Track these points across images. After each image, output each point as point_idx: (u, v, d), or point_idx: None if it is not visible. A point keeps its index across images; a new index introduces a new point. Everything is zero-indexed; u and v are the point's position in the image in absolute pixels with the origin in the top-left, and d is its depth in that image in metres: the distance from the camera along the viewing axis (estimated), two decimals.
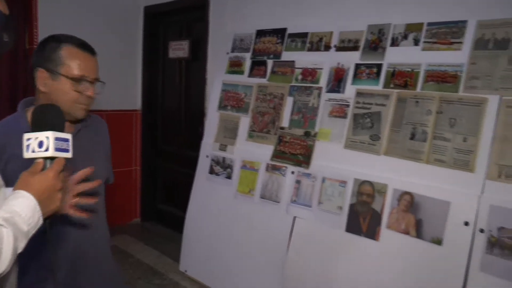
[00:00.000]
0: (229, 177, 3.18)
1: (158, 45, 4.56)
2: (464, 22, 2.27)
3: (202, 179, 3.38)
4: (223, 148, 3.27)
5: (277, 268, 2.80)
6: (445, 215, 2.16)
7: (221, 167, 3.24)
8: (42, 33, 3.74)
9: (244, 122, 3.19)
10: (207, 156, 3.36)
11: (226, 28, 3.49)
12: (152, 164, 4.72)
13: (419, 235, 2.24)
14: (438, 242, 2.17)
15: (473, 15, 2.24)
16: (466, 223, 2.09)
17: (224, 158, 3.24)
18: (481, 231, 2.04)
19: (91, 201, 1.35)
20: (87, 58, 1.46)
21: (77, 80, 1.42)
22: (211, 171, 3.31)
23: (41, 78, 1.44)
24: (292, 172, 2.82)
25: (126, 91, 4.58)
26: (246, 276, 2.98)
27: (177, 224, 3.78)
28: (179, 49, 4.12)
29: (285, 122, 2.94)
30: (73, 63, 1.42)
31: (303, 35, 2.95)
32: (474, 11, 2.25)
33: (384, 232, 2.37)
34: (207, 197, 3.31)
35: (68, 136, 1.13)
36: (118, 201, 4.33)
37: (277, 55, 3.07)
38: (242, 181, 3.09)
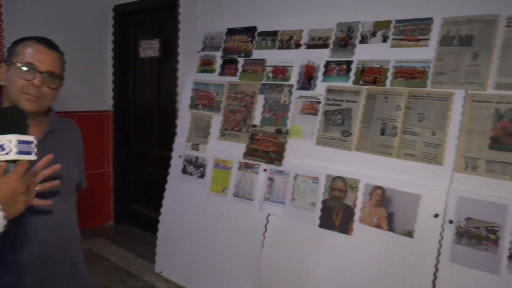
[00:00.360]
0: (202, 176, 3.14)
1: (129, 45, 4.48)
2: (430, 19, 2.30)
3: (175, 179, 3.33)
4: (195, 147, 3.23)
5: (252, 266, 2.78)
6: (415, 208, 2.19)
7: (194, 166, 3.20)
8: (7, 35, 3.61)
9: (216, 121, 3.15)
10: (179, 156, 3.32)
11: (197, 27, 3.45)
12: (125, 166, 4.64)
13: (391, 228, 2.26)
14: (410, 234, 2.19)
15: (439, 13, 2.28)
16: (436, 215, 2.12)
17: (196, 158, 3.20)
18: (450, 222, 2.08)
19: (54, 184, 1.30)
20: (41, 49, 1.42)
21: (24, 67, 1.38)
22: (184, 171, 3.27)
23: (2, 73, 1.42)
24: (265, 170, 2.80)
25: (97, 92, 4.49)
26: (221, 275, 2.95)
27: (151, 225, 3.72)
28: (149, 49, 4.06)
29: (257, 120, 2.92)
30: (25, 52, 1.40)
31: (273, 34, 2.93)
32: (440, 8, 2.28)
33: (357, 226, 2.38)
34: (181, 197, 3.26)
35: (31, 138, 1.10)
36: (91, 204, 4.24)
37: (247, 54, 3.05)
38: (215, 180, 3.06)
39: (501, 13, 2.09)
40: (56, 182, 1.31)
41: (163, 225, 3.37)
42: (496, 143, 2.02)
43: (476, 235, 2.00)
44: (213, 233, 3.02)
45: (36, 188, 1.23)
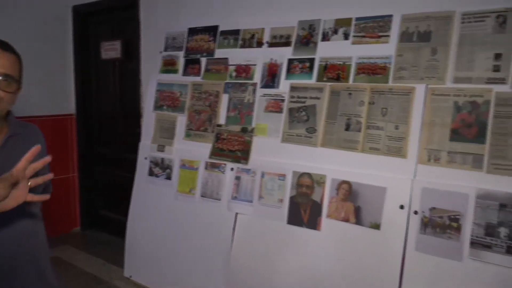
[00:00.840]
0: (169, 178, 3.08)
1: (90, 46, 4.33)
2: (389, 16, 2.32)
3: (142, 181, 3.25)
4: (161, 149, 3.16)
5: (222, 265, 2.74)
6: (381, 200, 2.21)
7: (161, 168, 3.13)
8: None
9: (181, 122, 3.09)
10: (145, 158, 3.24)
11: (158, 27, 3.37)
12: (91, 170, 4.49)
13: (358, 221, 2.27)
14: (377, 226, 2.21)
15: (398, 10, 2.30)
16: (402, 207, 2.14)
17: (163, 159, 3.13)
18: (415, 213, 2.11)
19: (47, 178, 1.28)
20: None
21: None
22: (151, 173, 3.19)
23: None
24: (232, 169, 2.77)
25: (59, 95, 4.33)
26: (192, 276, 2.90)
27: (119, 229, 3.62)
28: (111, 50, 3.95)
29: (221, 119, 2.88)
30: None
31: (235, 32, 2.90)
32: (399, 6, 2.30)
33: (325, 221, 2.38)
34: (148, 199, 3.19)
35: None
36: (56, 210, 4.10)
37: (210, 53, 3.00)
38: (182, 181, 3.00)
39: (456, 10, 2.13)
40: (50, 175, 1.28)
41: (131, 229, 3.28)
42: (456, 134, 2.06)
43: (440, 224, 2.04)
44: (182, 234, 2.96)
45: (29, 183, 1.19)
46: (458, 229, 1.99)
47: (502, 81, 1.98)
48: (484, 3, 2.06)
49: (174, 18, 3.28)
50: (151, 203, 3.16)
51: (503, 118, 1.96)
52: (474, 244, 1.95)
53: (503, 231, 1.89)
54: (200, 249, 2.86)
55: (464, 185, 2.00)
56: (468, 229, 1.97)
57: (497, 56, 2.00)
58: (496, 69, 2.00)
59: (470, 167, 2.01)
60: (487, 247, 1.92)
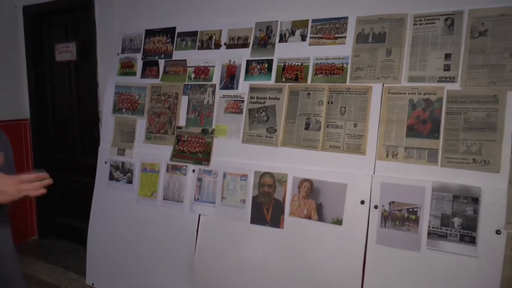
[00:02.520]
0: (130, 181, 2.94)
1: (43, 48, 4.08)
2: (345, 18, 2.32)
3: (102, 186, 3.10)
4: (121, 152, 3.02)
5: (186, 268, 2.65)
6: (343, 196, 2.19)
7: (121, 172, 2.99)
8: None
9: (141, 124, 2.96)
10: (105, 162, 3.08)
11: (114, 29, 3.22)
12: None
13: (320, 218, 2.25)
14: (339, 222, 2.19)
15: (353, 12, 2.30)
16: (362, 202, 2.14)
17: (123, 163, 2.99)
18: (375, 207, 2.12)
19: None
20: None
21: None
22: (111, 177, 3.04)
23: None
24: (193, 171, 2.67)
25: (12, 99, 4.05)
26: (156, 280, 2.79)
27: (80, 236, 3.42)
28: (66, 52, 3.73)
29: (181, 121, 2.78)
30: None
31: (193, 34, 2.80)
32: (354, 8, 2.30)
33: (288, 219, 2.34)
34: (109, 204, 3.04)
35: None
36: (12, 219, 3.81)
37: (168, 55, 2.89)
38: (144, 185, 2.87)
39: (408, 12, 2.15)
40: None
41: (92, 235, 3.12)
42: (411, 131, 2.08)
43: (399, 217, 2.06)
44: (145, 238, 2.84)
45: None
46: (416, 221, 2.02)
47: (452, 79, 2.03)
48: (433, 7, 2.10)
49: (130, 19, 3.15)
50: (112, 208, 3.02)
51: (454, 114, 2.00)
52: (431, 234, 1.98)
53: (456, 220, 1.94)
54: (163, 253, 2.75)
55: (421, 178, 2.03)
56: (425, 221, 2.00)
57: (447, 56, 2.04)
58: (447, 68, 2.04)
59: (425, 162, 2.03)
60: (443, 236, 1.96)
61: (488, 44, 1.96)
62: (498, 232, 1.85)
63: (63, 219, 4.20)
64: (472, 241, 1.90)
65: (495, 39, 1.95)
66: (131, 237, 2.90)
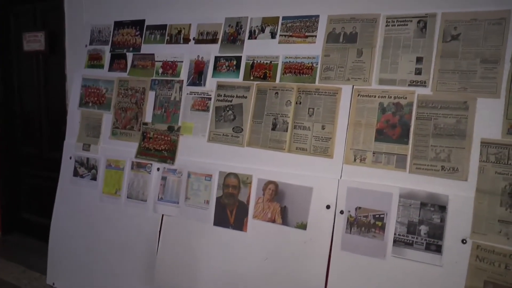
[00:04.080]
0: (94, 178, 2.76)
1: (10, 38, 3.83)
2: (316, 16, 2.19)
3: (66, 182, 2.90)
4: (86, 148, 2.82)
5: (148, 268, 2.49)
6: (308, 200, 2.08)
7: (86, 168, 2.80)
8: None
9: (107, 119, 2.78)
10: (70, 158, 2.89)
11: (83, 19, 3.02)
12: (13, 170, 3.98)
13: (284, 222, 2.13)
14: (303, 226, 2.08)
15: (324, 11, 2.18)
16: (328, 206, 2.03)
17: (88, 159, 2.80)
18: (341, 212, 2.01)
19: None
20: None
21: None
22: (76, 173, 2.84)
23: None
24: (158, 169, 2.51)
25: None
26: (117, 280, 2.62)
27: (44, 233, 3.19)
28: (34, 41, 3.51)
29: (148, 117, 2.61)
30: None
31: (162, 27, 2.62)
32: (325, 6, 2.18)
33: (251, 222, 2.21)
34: (73, 201, 2.84)
35: None
36: None
37: (136, 48, 2.71)
38: (108, 182, 2.69)
39: (381, 13, 2.04)
40: None
41: (54, 233, 2.92)
42: (380, 135, 1.98)
43: (365, 223, 1.96)
44: (107, 237, 2.66)
45: None
46: (382, 228, 1.92)
47: (423, 84, 1.92)
48: (406, 8, 1.99)
49: (99, 10, 2.95)
50: (75, 205, 2.83)
51: (424, 119, 1.89)
52: (397, 242, 1.89)
53: (423, 228, 1.85)
54: (125, 253, 2.59)
55: (388, 184, 1.93)
56: (391, 228, 1.91)
57: (419, 60, 1.94)
58: (418, 72, 1.93)
59: (393, 167, 1.93)
60: (409, 244, 1.87)
61: (460, 48, 1.85)
62: (463, 241, 1.76)
63: (28, 215, 3.96)
64: (438, 249, 1.80)
65: (467, 44, 1.84)
66: (93, 236, 2.72)
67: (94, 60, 2.89)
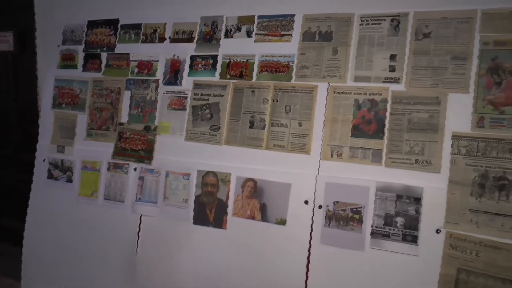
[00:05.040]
0: (69, 180, 2.66)
1: None
2: (292, 16, 2.18)
3: (40, 185, 2.78)
4: (61, 149, 2.72)
5: (127, 271, 2.42)
6: (287, 196, 2.06)
7: (61, 170, 2.69)
8: None
9: (82, 120, 2.69)
10: (44, 160, 2.77)
11: (55, 18, 2.89)
12: None
13: (264, 218, 2.11)
14: (283, 222, 2.06)
15: (300, 10, 2.16)
16: (306, 202, 2.02)
17: (63, 161, 2.69)
18: (320, 207, 2.00)
19: None
20: None
21: None
22: (50, 176, 2.74)
23: None
24: (135, 169, 2.44)
25: None
26: (96, 283, 2.54)
27: (15, 238, 3.05)
28: (2, 42, 3.36)
29: (124, 117, 2.53)
30: None
31: (137, 27, 2.55)
32: (301, 6, 2.16)
33: (231, 220, 2.18)
34: (47, 204, 2.73)
35: None
36: None
37: (111, 48, 2.63)
38: (84, 184, 2.60)
39: (355, 12, 2.04)
40: None
41: (29, 237, 2.80)
42: (356, 130, 1.98)
43: (343, 216, 1.96)
44: (85, 240, 2.58)
45: None
46: (360, 220, 1.93)
47: (397, 80, 1.93)
48: (380, 7, 2.00)
49: (72, 9, 2.84)
50: (50, 208, 2.72)
51: (399, 115, 1.91)
52: (374, 234, 1.90)
53: (399, 220, 1.86)
54: (104, 254, 2.51)
55: (365, 178, 1.93)
56: (369, 220, 1.91)
57: (392, 57, 1.95)
58: (392, 69, 1.94)
59: (370, 162, 1.94)
60: (386, 236, 1.88)
61: (432, 46, 1.88)
62: (438, 231, 1.79)
63: (0, 220, 3.78)
64: (414, 240, 1.82)
65: (438, 41, 1.87)
66: (70, 239, 2.63)
67: (67, 60, 2.79)
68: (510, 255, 1.66)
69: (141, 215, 2.40)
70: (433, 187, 1.80)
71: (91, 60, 2.70)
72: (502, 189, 1.70)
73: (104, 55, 2.65)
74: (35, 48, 3.17)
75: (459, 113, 1.79)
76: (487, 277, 1.69)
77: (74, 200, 2.62)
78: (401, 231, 1.84)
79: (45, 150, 2.78)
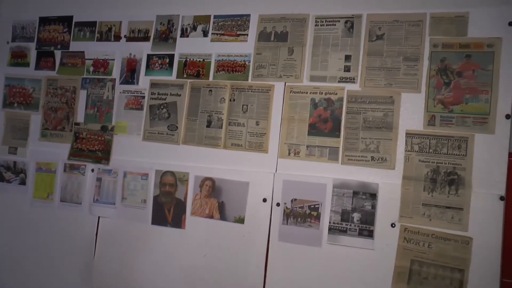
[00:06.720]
0: (23, 183, 2.41)
1: None
2: (247, 15, 2.07)
3: None
4: (13, 151, 2.46)
5: (86, 273, 2.23)
6: (245, 194, 1.96)
7: (13, 173, 2.44)
8: None
9: (36, 120, 2.45)
10: None
11: (2, 14, 2.61)
12: None
13: (222, 217, 2.00)
14: (241, 220, 1.96)
15: (255, 10, 2.06)
16: (264, 200, 1.93)
17: (15, 163, 2.44)
18: (278, 205, 1.92)
19: None
20: None
21: None
22: (1, 179, 2.48)
23: None
24: (92, 170, 2.25)
25: None
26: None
27: None
28: None
29: (80, 117, 2.33)
30: None
31: (91, 24, 2.35)
32: (256, 6, 2.05)
33: (189, 219, 2.05)
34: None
35: None
36: None
37: (65, 45, 2.41)
38: (39, 186, 2.37)
39: (310, 13, 1.96)
40: None
41: None
42: (313, 129, 1.91)
43: (301, 213, 1.88)
44: (41, 243, 2.35)
45: None
46: (318, 217, 1.86)
47: (352, 80, 1.87)
48: (334, 9, 1.93)
49: (21, 4, 2.57)
50: (3, 213, 2.46)
51: (354, 114, 1.85)
52: (332, 230, 1.84)
53: (356, 216, 1.81)
54: (61, 258, 2.30)
55: (322, 176, 1.86)
56: (326, 217, 1.85)
57: (347, 58, 1.89)
58: (347, 69, 1.88)
59: (326, 159, 1.87)
60: (343, 231, 1.82)
61: (385, 47, 1.83)
62: (392, 225, 1.75)
63: None
64: (370, 234, 1.78)
65: (390, 43, 1.83)
66: (24, 243, 2.39)
67: (18, 58, 2.52)
68: (458, 245, 1.66)
69: (99, 217, 2.22)
70: (388, 183, 1.76)
71: (44, 58, 2.45)
72: (452, 184, 1.69)
73: (58, 53, 2.42)
74: None
75: (411, 112, 1.77)
76: (438, 267, 1.68)
77: (28, 203, 2.39)
78: (358, 226, 1.79)
79: None
